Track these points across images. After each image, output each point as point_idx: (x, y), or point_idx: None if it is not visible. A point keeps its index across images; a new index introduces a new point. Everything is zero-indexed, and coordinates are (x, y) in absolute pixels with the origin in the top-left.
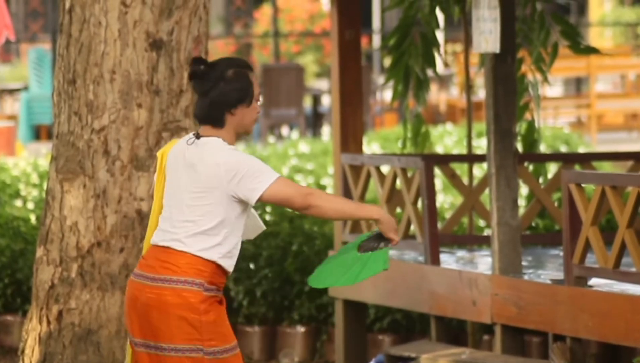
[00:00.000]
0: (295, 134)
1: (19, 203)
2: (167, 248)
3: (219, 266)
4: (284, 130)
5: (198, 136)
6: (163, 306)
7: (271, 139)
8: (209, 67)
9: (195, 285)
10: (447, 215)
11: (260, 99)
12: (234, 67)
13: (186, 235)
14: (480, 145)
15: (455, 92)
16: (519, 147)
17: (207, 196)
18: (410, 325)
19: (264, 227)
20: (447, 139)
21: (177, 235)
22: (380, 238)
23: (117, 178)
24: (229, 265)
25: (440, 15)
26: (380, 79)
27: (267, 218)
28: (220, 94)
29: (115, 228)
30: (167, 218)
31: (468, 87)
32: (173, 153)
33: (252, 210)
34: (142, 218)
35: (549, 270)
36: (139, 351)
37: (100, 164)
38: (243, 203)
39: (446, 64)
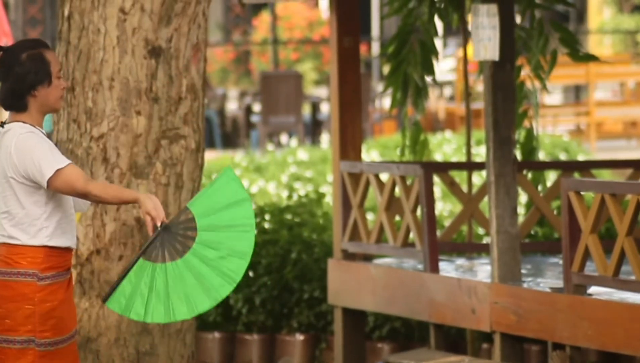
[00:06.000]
0: (294, 142)
1: None
2: (3, 243)
3: (53, 248)
4: (283, 138)
5: (2, 124)
6: None
7: (270, 146)
8: (4, 53)
9: (29, 276)
10: (446, 223)
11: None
12: (28, 49)
13: (9, 227)
14: (479, 153)
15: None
16: (518, 155)
17: (11, 185)
18: (409, 333)
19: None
20: (446, 146)
21: (3, 230)
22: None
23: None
24: (65, 241)
25: (439, 23)
26: (379, 87)
27: (266, 226)
28: (17, 79)
29: (114, 235)
30: None
31: (467, 94)
32: None
33: None
34: (141, 225)
35: (548, 278)
36: None
37: (99, 172)
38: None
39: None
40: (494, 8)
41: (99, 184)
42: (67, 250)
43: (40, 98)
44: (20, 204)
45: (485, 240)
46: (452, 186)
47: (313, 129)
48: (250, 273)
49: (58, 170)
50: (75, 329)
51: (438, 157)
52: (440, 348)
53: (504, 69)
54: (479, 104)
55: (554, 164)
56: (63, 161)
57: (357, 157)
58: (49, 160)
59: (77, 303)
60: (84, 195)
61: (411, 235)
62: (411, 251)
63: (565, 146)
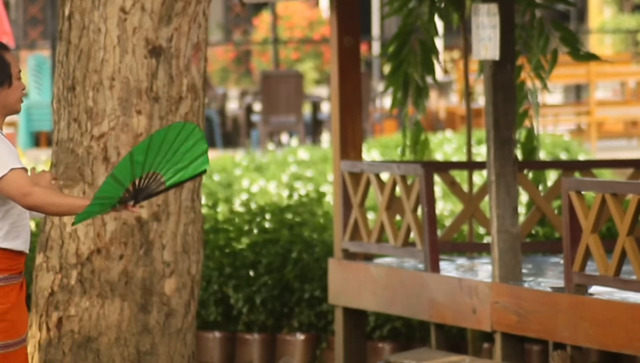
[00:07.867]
0: (294, 142)
1: None
2: None
3: (6, 250)
4: (284, 137)
5: None
6: None
7: (270, 146)
8: None
9: None
10: (447, 223)
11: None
12: None
13: None
14: (480, 152)
15: (454, 100)
16: (519, 154)
17: None
18: (410, 333)
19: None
20: (446, 146)
21: None
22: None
23: None
24: (18, 245)
25: (439, 23)
26: (380, 86)
27: (267, 225)
28: None
29: (114, 235)
30: None
31: (467, 94)
32: None
33: None
34: (142, 225)
35: (549, 278)
36: None
37: (100, 171)
38: None
39: (445, 71)
40: (494, 7)
41: (39, 196)
42: (20, 253)
43: (0, 100)
44: None
45: (486, 240)
46: (452, 186)
47: (313, 128)
48: (251, 273)
49: (12, 169)
50: (26, 333)
51: (439, 156)
52: (441, 348)
53: (504, 69)
54: (479, 104)
55: (555, 164)
56: (19, 164)
57: (358, 156)
58: (5, 160)
59: (78, 303)
60: (26, 194)
61: (412, 235)
62: (412, 250)
63: (566, 146)
